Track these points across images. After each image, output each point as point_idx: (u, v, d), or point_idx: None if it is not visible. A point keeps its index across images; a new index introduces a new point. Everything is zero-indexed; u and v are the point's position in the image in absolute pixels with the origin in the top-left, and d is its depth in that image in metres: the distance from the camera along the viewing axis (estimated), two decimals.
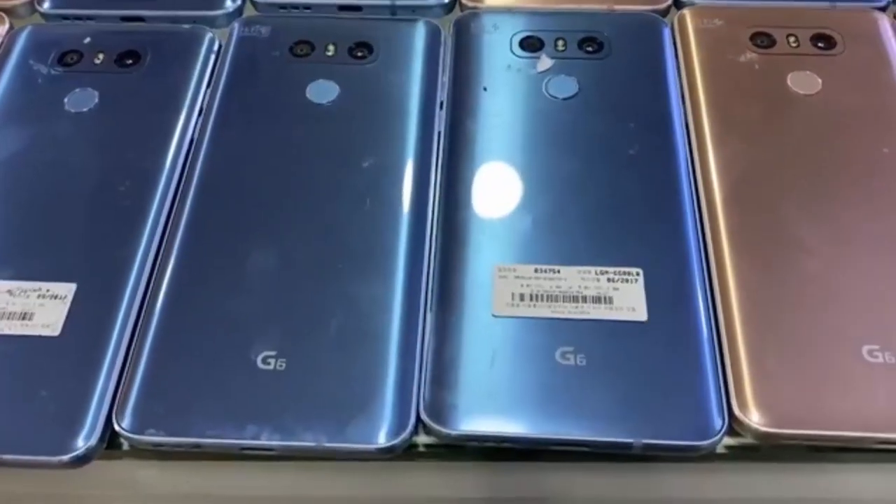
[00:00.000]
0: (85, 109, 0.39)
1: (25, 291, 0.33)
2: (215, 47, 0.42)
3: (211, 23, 0.43)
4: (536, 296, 0.33)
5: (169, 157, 0.38)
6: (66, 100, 0.39)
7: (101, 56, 0.41)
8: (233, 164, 0.38)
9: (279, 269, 0.34)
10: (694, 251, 0.34)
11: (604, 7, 0.43)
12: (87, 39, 0.42)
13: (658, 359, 0.31)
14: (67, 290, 0.33)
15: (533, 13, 0.43)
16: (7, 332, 0.32)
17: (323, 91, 0.40)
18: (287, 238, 0.35)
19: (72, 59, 0.41)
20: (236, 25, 0.43)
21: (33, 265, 0.34)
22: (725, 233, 0.35)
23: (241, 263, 0.34)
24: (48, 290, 0.33)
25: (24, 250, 0.35)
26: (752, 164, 0.37)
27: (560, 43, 0.41)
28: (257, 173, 0.37)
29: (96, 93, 0.40)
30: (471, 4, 0.44)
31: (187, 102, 0.40)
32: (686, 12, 0.43)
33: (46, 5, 0.44)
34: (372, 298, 0.33)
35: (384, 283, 0.34)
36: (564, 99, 0.39)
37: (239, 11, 0.44)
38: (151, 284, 0.34)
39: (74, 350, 0.32)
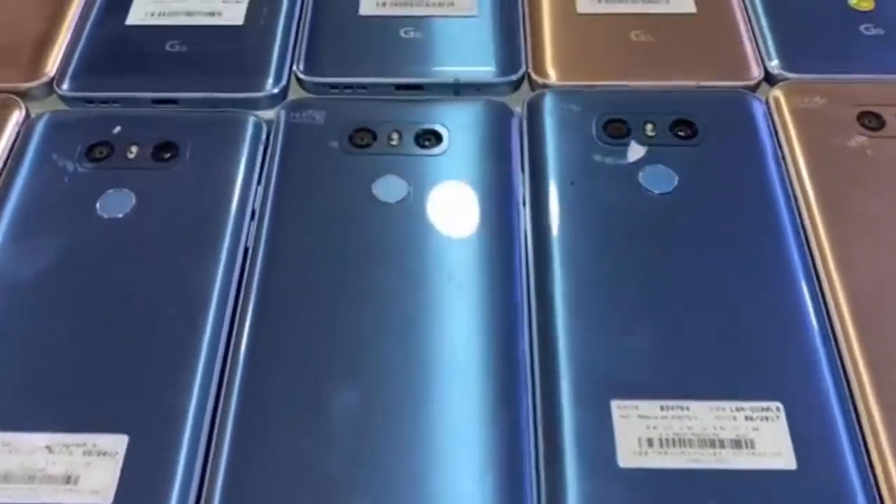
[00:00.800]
0: (120, 215, 0.34)
1: (68, 447, 0.29)
2: (262, 136, 0.38)
3: (253, 105, 0.39)
4: (666, 440, 0.29)
5: (220, 271, 0.33)
6: (98, 203, 0.35)
7: (134, 149, 0.36)
8: (296, 277, 0.33)
9: (364, 410, 0.30)
10: (828, 375, 0.30)
11: (690, 83, 0.40)
12: (118, 129, 0.37)
13: None
14: (117, 444, 0.29)
15: (613, 93, 0.39)
16: (48, 500, 0.28)
17: (391, 189, 0.35)
18: (367, 368, 0.31)
19: (101, 152, 0.36)
20: (284, 111, 0.38)
21: (74, 413, 0.29)
22: (860, 349, 0.31)
23: (318, 403, 0.30)
24: (95, 445, 0.29)
25: (60, 396, 0.30)
26: (880, 265, 0.34)
27: (649, 127, 0.37)
28: (325, 288, 0.32)
29: (133, 195, 0.35)
30: (541, 81, 0.40)
31: (236, 203, 0.35)
32: (780, 91, 0.39)
33: (66, 87, 0.39)
34: (461, 443, 0.29)
35: (475, 424, 0.29)
36: (662, 194, 0.35)
37: (284, 93, 0.39)
38: (215, 435, 0.29)
39: None
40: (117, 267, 0.33)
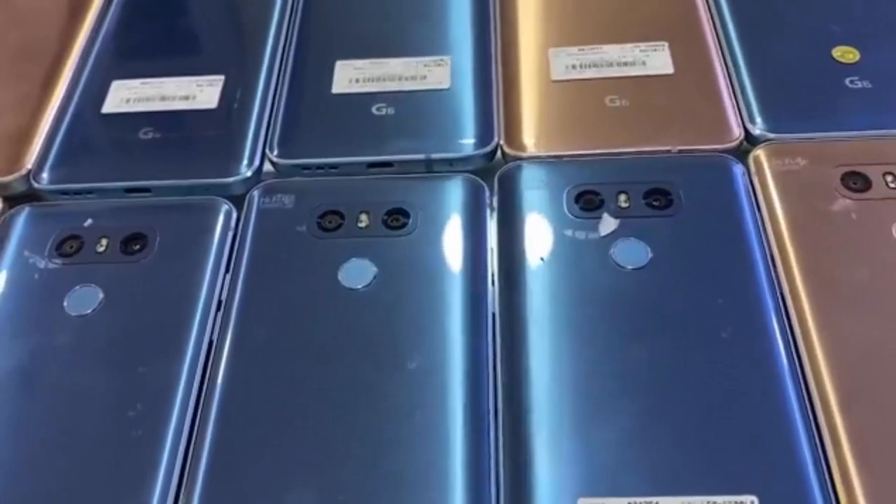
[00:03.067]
0: (88, 311, 0.34)
1: None
2: (233, 222, 0.37)
3: (226, 190, 0.39)
4: None
5: (185, 368, 0.32)
6: (65, 300, 0.35)
7: (104, 241, 0.36)
8: (259, 370, 0.32)
9: None
10: (811, 468, 0.29)
11: (665, 148, 0.39)
12: (89, 221, 0.37)
13: None
14: None
15: (586, 163, 0.38)
16: None
17: (357, 273, 0.35)
18: (331, 468, 0.30)
19: (71, 247, 0.36)
20: (255, 195, 0.38)
21: None
22: (847, 440, 0.29)
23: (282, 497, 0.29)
24: None
25: None
26: (865, 338, 0.32)
27: (622, 197, 0.36)
28: (290, 384, 0.32)
29: (100, 290, 0.35)
30: (513, 153, 0.39)
31: (203, 295, 0.34)
32: (761, 152, 0.38)
33: (45, 179, 0.40)
34: None
35: None
36: (635, 269, 0.34)
37: (257, 175, 0.39)
38: None
39: None
40: (82, 366, 0.33)
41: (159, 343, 0.33)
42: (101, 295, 0.35)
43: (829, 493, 0.28)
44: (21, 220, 0.38)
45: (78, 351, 0.33)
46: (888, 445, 0.29)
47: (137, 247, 0.36)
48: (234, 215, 0.38)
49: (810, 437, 0.29)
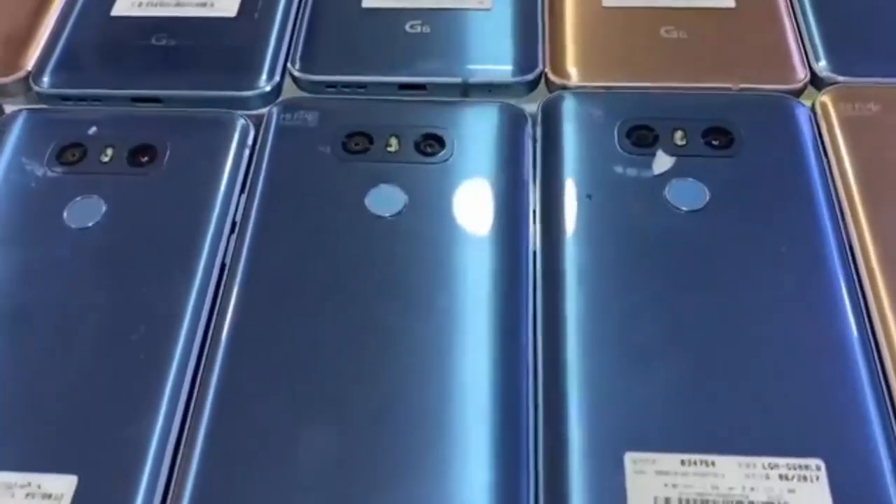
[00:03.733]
0: (89, 224, 0.31)
1: (10, 487, 0.26)
2: (249, 139, 0.34)
3: (243, 105, 0.35)
4: (687, 501, 0.25)
5: (193, 292, 0.29)
6: (65, 212, 0.32)
7: (109, 152, 0.33)
8: (275, 299, 0.30)
9: (343, 451, 0.26)
10: (880, 433, 0.26)
11: (726, 85, 0.35)
12: (93, 129, 0.34)
13: None
14: (65, 485, 0.26)
15: (639, 96, 0.35)
16: None
17: (386, 200, 0.32)
18: (346, 409, 0.27)
19: (73, 155, 0.33)
20: (275, 111, 0.35)
21: (20, 451, 0.26)
22: None
23: (296, 438, 0.26)
24: (39, 487, 0.26)
25: (6, 431, 0.27)
26: None
27: (678, 135, 0.33)
28: (307, 315, 0.29)
29: (103, 202, 0.32)
30: (559, 82, 0.36)
31: (216, 215, 0.31)
32: (828, 96, 0.35)
33: (45, 82, 0.36)
34: None
35: (470, 476, 0.26)
36: (691, 211, 0.31)
37: (277, 91, 0.36)
38: (176, 477, 0.26)
39: None
40: (80, 283, 0.30)
41: (166, 263, 0.30)
42: (104, 207, 0.32)
43: None
44: (18, 124, 0.35)
45: (77, 266, 0.30)
46: None
47: (145, 159, 0.33)
48: (252, 132, 0.34)
49: (880, 401, 0.27)
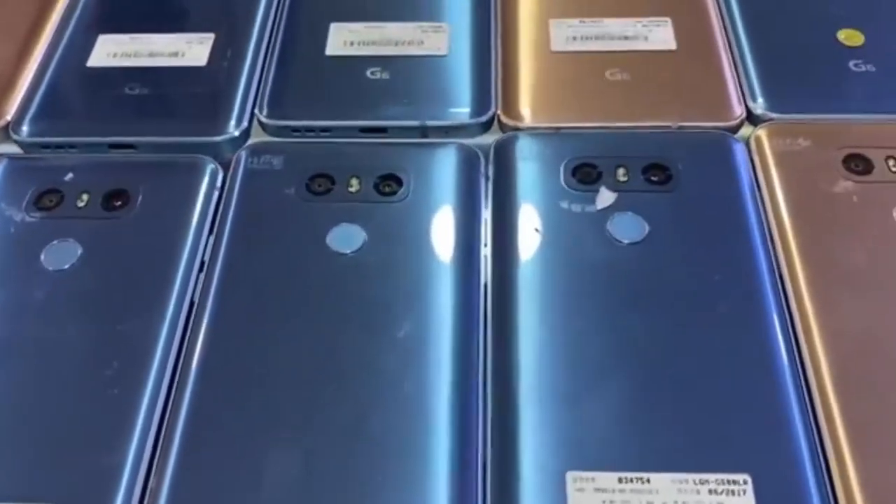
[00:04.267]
0: (66, 266, 0.33)
1: None
2: (218, 182, 0.36)
3: (213, 150, 0.37)
4: None
5: (164, 329, 0.31)
6: (42, 255, 0.34)
7: (85, 197, 0.35)
8: (242, 333, 0.31)
9: (307, 481, 0.28)
10: (805, 450, 0.28)
11: (665, 124, 0.38)
12: (69, 175, 0.36)
13: None
14: None
15: (584, 135, 0.37)
16: None
17: (347, 238, 0.34)
18: (312, 434, 0.29)
19: (51, 200, 0.35)
20: (243, 154, 0.37)
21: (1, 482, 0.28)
22: (841, 417, 0.29)
23: (260, 470, 0.28)
24: None
25: None
26: (862, 321, 0.31)
27: (620, 171, 0.36)
28: (272, 348, 0.31)
29: (79, 245, 0.34)
30: (510, 123, 0.38)
31: (186, 255, 0.33)
32: (763, 131, 0.37)
33: (24, 131, 0.38)
34: None
35: (423, 489, 0.28)
36: (632, 244, 0.34)
37: (245, 136, 0.38)
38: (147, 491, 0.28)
39: None
40: (57, 322, 0.32)
41: (139, 301, 0.32)
42: (79, 250, 0.34)
43: (822, 475, 0.28)
44: (1, 172, 0.37)
45: (54, 306, 0.32)
46: (884, 428, 0.28)
47: (119, 203, 0.35)
48: (220, 175, 0.36)
49: (805, 418, 0.29)
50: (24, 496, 0.27)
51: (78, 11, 0.43)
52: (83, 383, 0.30)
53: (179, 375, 0.31)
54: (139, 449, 0.29)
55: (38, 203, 0.35)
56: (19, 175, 0.37)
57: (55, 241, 0.34)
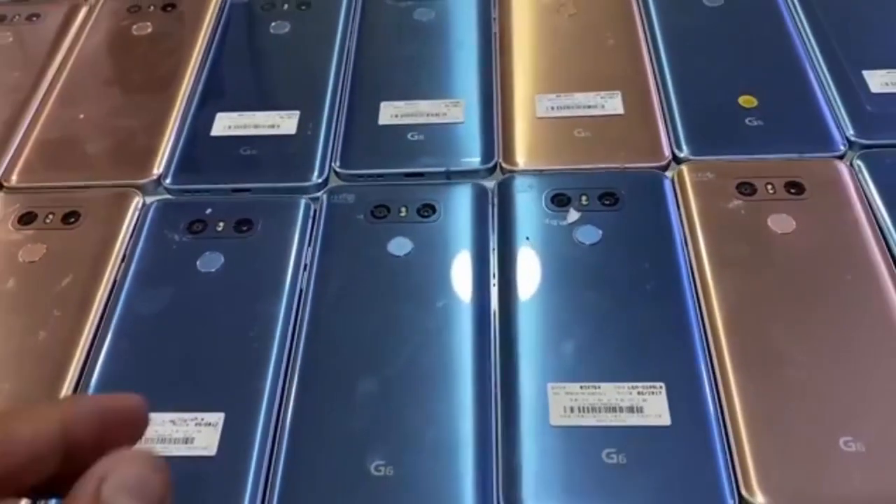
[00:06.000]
0: (213, 270, 0.50)
1: (185, 421, 0.43)
2: (311, 212, 0.53)
3: (304, 191, 0.54)
4: (583, 408, 0.42)
5: (283, 306, 0.48)
6: (197, 262, 0.50)
7: (221, 224, 0.52)
8: (333, 309, 0.48)
9: (380, 395, 0.44)
10: (703, 366, 0.44)
11: (616, 165, 0.54)
12: (209, 210, 0.53)
13: (680, 455, 0.40)
14: (217, 418, 0.43)
15: (559, 175, 0.54)
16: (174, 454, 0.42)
17: (400, 246, 0.50)
18: (382, 369, 0.45)
19: (198, 227, 0.52)
20: (326, 195, 0.54)
21: (188, 399, 0.44)
22: (727, 350, 0.44)
23: (351, 388, 0.44)
24: (203, 419, 0.43)
25: (178, 388, 0.45)
26: (746, 293, 0.47)
27: (584, 198, 0.52)
28: (353, 315, 0.47)
29: (221, 255, 0.50)
30: (509, 168, 0.55)
31: (293, 260, 0.50)
32: (683, 168, 0.54)
33: (169, 182, 0.55)
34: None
35: (463, 406, 0.43)
36: (591, 245, 0.50)
37: (325, 181, 0.55)
38: (282, 407, 0.44)
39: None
40: (209, 308, 0.48)
41: (260, 291, 0.49)
42: (222, 259, 0.50)
43: (712, 381, 0.43)
44: (157, 210, 0.54)
45: (206, 297, 0.49)
46: (754, 352, 0.44)
47: (245, 228, 0.52)
48: (312, 208, 0.53)
49: (703, 347, 0.44)
50: (204, 407, 0.43)
51: (198, 96, 0.61)
52: (232, 344, 0.46)
53: (296, 331, 0.47)
54: (273, 382, 0.45)
55: (189, 229, 0.52)
56: (173, 212, 0.54)
57: (206, 253, 0.50)
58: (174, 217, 0.53)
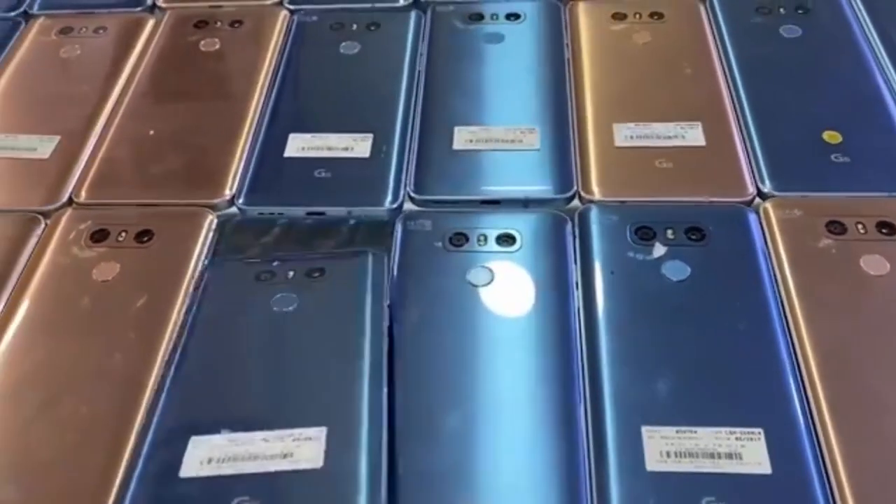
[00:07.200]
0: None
1: (283, 438, 0.41)
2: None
3: (378, 216, 0.53)
4: (679, 454, 0.41)
5: (368, 330, 0.47)
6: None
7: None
8: (416, 336, 0.47)
9: (464, 433, 0.42)
10: (800, 412, 0.42)
11: (700, 199, 0.53)
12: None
13: None
14: (319, 433, 0.41)
15: (641, 207, 0.53)
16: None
17: (479, 275, 0.49)
18: (463, 404, 0.43)
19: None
20: (403, 220, 0.53)
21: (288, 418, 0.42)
22: (824, 395, 0.43)
23: (434, 426, 0.43)
24: (302, 434, 0.41)
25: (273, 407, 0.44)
26: (841, 336, 0.46)
27: (669, 232, 0.51)
28: (437, 346, 0.46)
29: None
30: (588, 197, 0.54)
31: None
32: (769, 204, 0.52)
33: (242, 202, 0.55)
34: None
35: (548, 446, 0.42)
36: (679, 281, 0.48)
37: (400, 207, 0.54)
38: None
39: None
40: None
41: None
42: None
43: (811, 427, 0.42)
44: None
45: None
46: (858, 401, 0.42)
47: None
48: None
49: (799, 389, 0.43)
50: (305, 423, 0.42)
51: (268, 115, 0.60)
52: (326, 370, 0.45)
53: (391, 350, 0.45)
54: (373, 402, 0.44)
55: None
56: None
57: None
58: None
